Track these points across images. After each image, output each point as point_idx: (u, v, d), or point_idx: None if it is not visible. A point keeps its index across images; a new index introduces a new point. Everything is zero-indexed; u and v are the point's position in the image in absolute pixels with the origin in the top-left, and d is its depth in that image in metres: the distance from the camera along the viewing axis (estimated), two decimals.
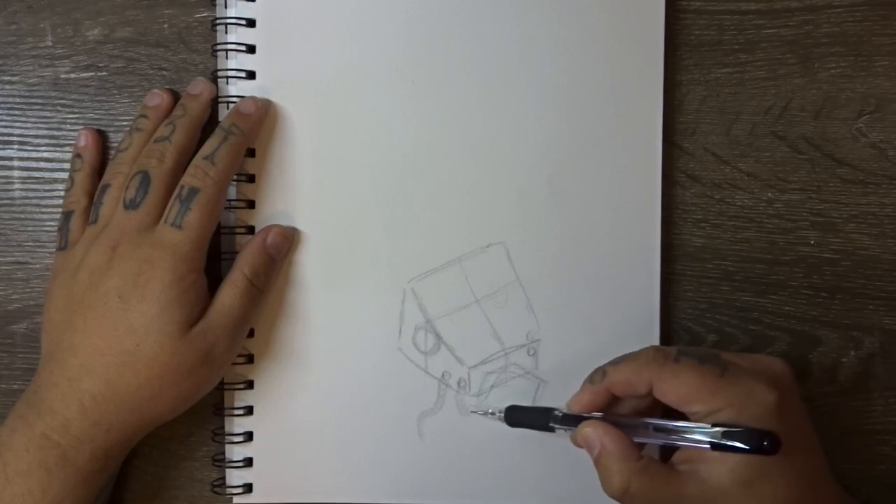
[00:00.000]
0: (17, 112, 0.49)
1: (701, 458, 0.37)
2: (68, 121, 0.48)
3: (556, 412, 0.44)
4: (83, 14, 0.48)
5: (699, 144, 0.48)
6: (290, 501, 0.48)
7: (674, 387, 0.38)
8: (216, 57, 0.47)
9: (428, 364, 0.47)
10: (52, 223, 0.48)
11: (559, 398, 0.47)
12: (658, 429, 0.39)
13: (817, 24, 0.47)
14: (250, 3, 0.46)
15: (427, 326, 0.47)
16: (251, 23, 0.46)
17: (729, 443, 0.36)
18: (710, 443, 0.36)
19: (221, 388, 0.47)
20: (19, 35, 0.48)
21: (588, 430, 0.40)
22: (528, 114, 0.47)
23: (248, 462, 0.48)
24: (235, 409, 0.47)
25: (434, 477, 0.48)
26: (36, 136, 0.49)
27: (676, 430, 0.38)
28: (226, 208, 0.46)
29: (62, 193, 0.47)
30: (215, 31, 0.47)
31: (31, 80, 0.48)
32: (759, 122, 0.47)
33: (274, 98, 0.46)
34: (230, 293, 0.44)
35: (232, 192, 0.46)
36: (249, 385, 0.47)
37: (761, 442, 0.35)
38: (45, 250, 0.49)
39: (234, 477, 0.48)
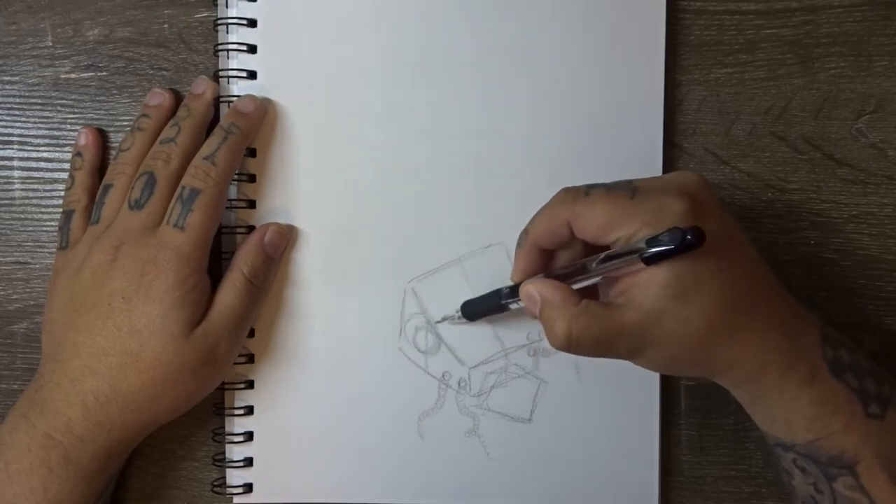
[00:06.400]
0: (17, 112, 0.49)
1: (634, 285, 0.37)
2: (68, 121, 0.48)
3: (504, 289, 0.43)
4: (83, 14, 0.48)
5: (699, 144, 0.48)
6: (290, 501, 0.48)
7: (589, 220, 0.38)
8: (218, 57, 0.47)
9: (428, 364, 0.47)
10: (52, 223, 0.48)
11: (560, 399, 0.47)
12: (593, 265, 0.38)
13: (817, 24, 0.47)
14: (251, 4, 0.46)
15: (427, 326, 0.47)
16: (252, 23, 0.46)
17: (655, 248, 0.35)
18: (639, 256, 0.35)
19: (222, 388, 0.47)
20: (19, 35, 0.48)
21: (528, 287, 0.40)
22: (529, 114, 0.47)
23: (249, 462, 0.48)
24: (235, 409, 0.47)
25: (434, 477, 0.48)
26: (36, 136, 0.49)
27: (608, 258, 0.37)
28: (227, 208, 0.46)
29: (62, 193, 0.47)
30: (216, 31, 0.47)
31: (31, 80, 0.48)
32: (759, 122, 0.48)
33: (275, 98, 0.46)
34: (230, 293, 0.44)
35: (233, 191, 0.46)
36: (249, 385, 0.47)
37: (684, 236, 0.34)
38: (45, 250, 0.49)
39: (235, 477, 0.48)
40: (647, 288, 0.36)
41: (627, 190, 0.38)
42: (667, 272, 0.36)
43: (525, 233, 0.42)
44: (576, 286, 0.39)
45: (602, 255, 0.38)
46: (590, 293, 0.40)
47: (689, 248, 0.34)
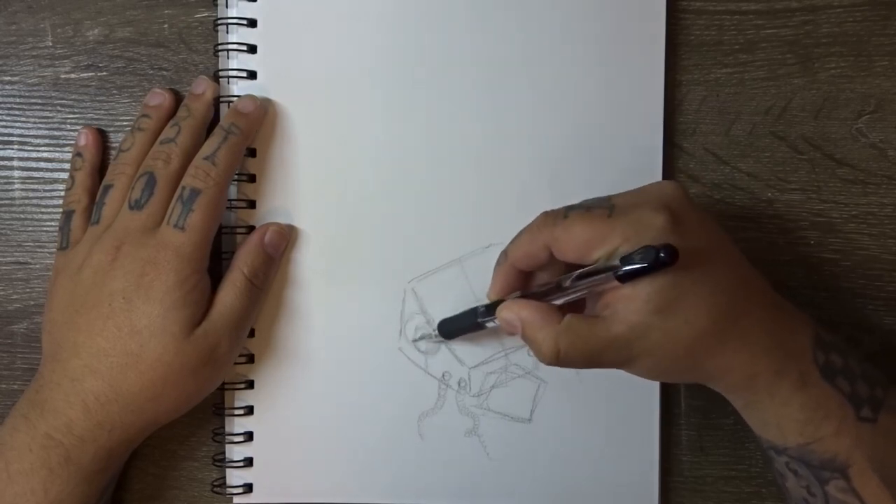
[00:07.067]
0: (17, 112, 0.48)
1: (618, 299, 0.37)
2: (68, 121, 0.48)
3: (480, 307, 0.43)
4: (83, 14, 0.48)
5: (699, 144, 0.48)
6: (290, 501, 0.48)
7: (569, 241, 0.38)
8: (218, 57, 0.47)
9: (428, 364, 0.47)
10: (52, 223, 0.48)
11: (560, 399, 0.47)
12: (569, 284, 0.38)
13: (817, 24, 0.47)
14: (251, 4, 0.46)
15: (427, 327, 0.47)
16: (252, 23, 0.46)
17: (629, 267, 0.35)
18: (614, 274, 0.35)
19: (222, 388, 0.47)
20: (19, 35, 0.48)
21: (504, 312, 0.40)
22: (529, 114, 0.47)
23: (249, 462, 0.48)
24: (235, 409, 0.47)
25: (434, 477, 0.48)
26: (36, 136, 0.49)
27: (583, 276, 0.37)
28: (227, 208, 0.46)
29: (62, 193, 0.47)
30: (216, 31, 0.47)
31: (31, 80, 0.48)
32: (759, 122, 0.48)
33: (275, 98, 0.46)
34: (230, 293, 0.44)
35: (233, 191, 0.46)
36: (249, 385, 0.47)
37: (657, 254, 0.34)
38: (45, 250, 0.49)
39: (235, 477, 0.48)
40: (630, 302, 0.36)
41: (605, 208, 0.38)
42: (648, 287, 0.36)
43: (504, 254, 0.42)
44: (554, 303, 0.39)
45: (577, 273, 0.38)
46: (576, 306, 0.40)
47: (663, 266, 0.35)
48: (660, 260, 0.34)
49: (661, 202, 0.37)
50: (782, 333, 0.38)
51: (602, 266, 0.36)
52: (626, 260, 0.35)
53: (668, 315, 0.36)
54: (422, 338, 0.47)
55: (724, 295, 0.37)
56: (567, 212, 0.39)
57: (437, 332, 0.47)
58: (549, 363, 0.38)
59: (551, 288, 0.39)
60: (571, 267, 0.39)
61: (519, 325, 0.39)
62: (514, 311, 0.39)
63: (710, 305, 0.37)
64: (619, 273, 0.35)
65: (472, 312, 0.44)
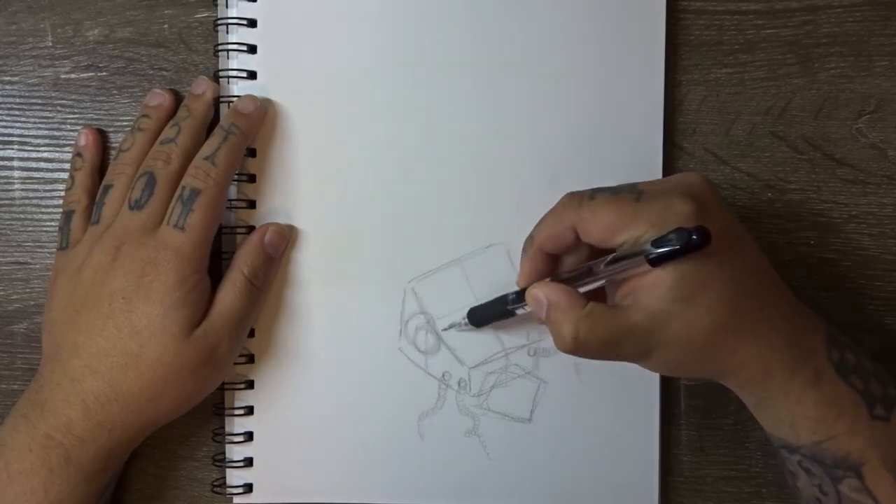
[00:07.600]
0: (17, 112, 0.48)
1: (640, 287, 0.37)
2: (68, 121, 0.48)
3: (510, 294, 0.43)
4: (83, 14, 0.48)
5: (699, 144, 0.48)
6: (290, 501, 0.48)
7: (594, 223, 0.38)
8: (218, 57, 0.47)
9: (428, 364, 0.47)
10: (52, 223, 0.48)
11: (560, 399, 0.47)
12: (599, 268, 0.38)
13: (817, 24, 0.47)
14: (251, 4, 0.46)
15: (427, 327, 0.47)
16: (252, 23, 0.46)
17: (662, 249, 0.35)
18: (645, 257, 0.35)
19: (222, 388, 0.47)
20: (19, 35, 0.48)
21: (534, 290, 0.40)
22: (529, 114, 0.47)
23: (249, 462, 0.48)
24: (235, 409, 0.47)
25: (434, 477, 0.48)
26: (36, 136, 0.49)
27: (614, 260, 0.37)
28: (227, 208, 0.46)
29: (62, 193, 0.47)
30: (216, 31, 0.47)
31: (31, 80, 0.48)
32: (759, 122, 0.48)
33: (275, 98, 0.46)
34: (230, 293, 0.44)
35: (233, 191, 0.46)
36: (249, 385, 0.47)
37: (690, 236, 0.34)
38: (45, 250, 0.49)
39: (235, 477, 0.48)
40: (652, 290, 0.36)
41: (632, 193, 0.38)
42: (672, 274, 0.36)
43: (530, 238, 0.42)
44: (582, 289, 0.39)
45: (609, 257, 0.38)
46: (597, 296, 0.40)
47: (695, 249, 0.34)
48: (692, 242, 0.34)
49: (687, 191, 0.37)
50: (797, 330, 0.38)
51: (634, 249, 0.36)
52: (658, 242, 0.35)
53: (690, 304, 0.36)
54: (451, 326, 0.47)
55: (743, 288, 0.37)
56: (594, 193, 0.39)
57: (466, 320, 0.47)
58: (568, 348, 0.38)
59: (582, 272, 0.39)
60: (596, 250, 0.39)
61: (546, 305, 0.39)
62: (542, 292, 0.39)
63: (730, 297, 0.37)
64: (652, 256, 0.35)
65: (502, 300, 0.44)
